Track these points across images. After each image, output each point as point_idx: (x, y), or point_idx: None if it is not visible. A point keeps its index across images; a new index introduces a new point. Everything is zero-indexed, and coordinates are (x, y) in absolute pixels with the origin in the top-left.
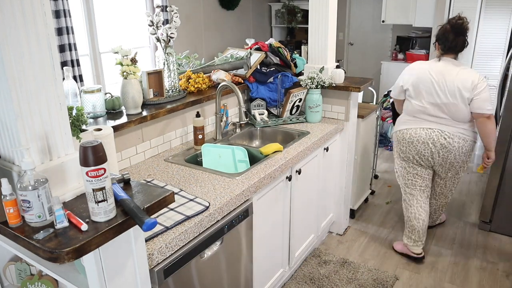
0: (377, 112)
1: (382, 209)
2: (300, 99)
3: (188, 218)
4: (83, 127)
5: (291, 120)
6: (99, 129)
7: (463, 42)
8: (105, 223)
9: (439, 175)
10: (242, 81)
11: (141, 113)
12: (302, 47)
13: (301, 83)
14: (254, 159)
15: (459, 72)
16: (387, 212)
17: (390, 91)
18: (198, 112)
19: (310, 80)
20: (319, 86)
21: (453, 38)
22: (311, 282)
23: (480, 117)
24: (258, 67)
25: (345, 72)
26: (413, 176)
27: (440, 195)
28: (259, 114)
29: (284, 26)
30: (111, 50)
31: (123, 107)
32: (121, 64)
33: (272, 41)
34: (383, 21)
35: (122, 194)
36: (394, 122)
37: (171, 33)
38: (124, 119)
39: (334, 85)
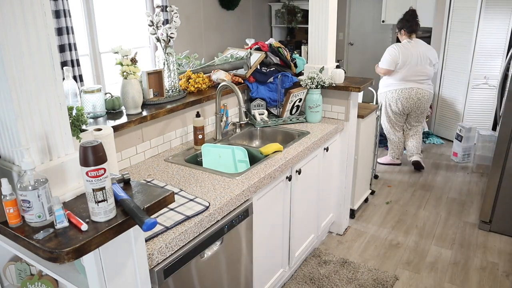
0: (377, 112)
1: (382, 209)
2: (300, 99)
3: (188, 218)
4: (83, 127)
5: (291, 120)
6: (99, 129)
7: (417, 23)
8: (105, 223)
9: (412, 118)
10: (242, 81)
11: (141, 113)
12: (302, 47)
13: (301, 83)
14: (254, 159)
15: (424, 46)
16: (387, 212)
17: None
18: (198, 112)
19: (310, 80)
20: (319, 86)
21: (413, 23)
22: (311, 282)
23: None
24: (258, 67)
25: (345, 72)
26: (396, 120)
27: (416, 131)
28: (259, 114)
29: (284, 26)
30: (111, 50)
31: (123, 107)
32: (121, 64)
33: (272, 41)
34: (383, 21)
35: (122, 194)
36: None
37: (171, 33)
38: (124, 119)
39: (334, 85)
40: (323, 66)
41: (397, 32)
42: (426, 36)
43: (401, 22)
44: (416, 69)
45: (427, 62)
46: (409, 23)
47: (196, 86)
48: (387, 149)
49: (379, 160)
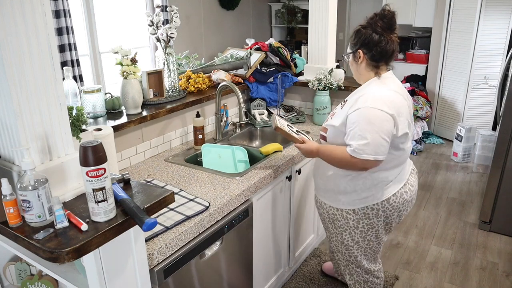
0: None
1: None
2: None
3: (188, 218)
4: (83, 127)
5: (291, 120)
6: (99, 129)
7: (397, 43)
8: (105, 223)
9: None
10: (242, 81)
11: (141, 113)
12: (302, 47)
13: (309, 84)
14: (254, 159)
15: (402, 86)
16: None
17: None
18: (198, 112)
19: (318, 82)
20: (326, 88)
21: (388, 39)
22: (311, 282)
23: None
24: (258, 67)
25: (345, 72)
26: (378, 244)
27: None
28: (259, 114)
29: (284, 26)
30: (111, 50)
31: (123, 107)
32: (121, 64)
33: (272, 41)
34: None
35: (122, 194)
36: None
37: (171, 33)
38: (124, 119)
39: (343, 87)
40: (332, 68)
41: (350, 52)
42: (426, 36)
43: (361, 34)
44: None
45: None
46: (377, 39)
47: (196, 86)
48: None
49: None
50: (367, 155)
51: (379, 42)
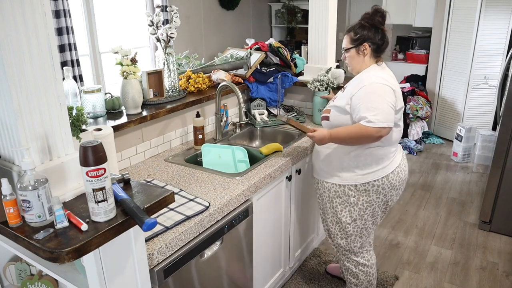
0: None
1: None
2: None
3: (188, 218)
4: (83, 127)
5: None
6: (99, 129)
7: (388, 39)
8: (105, 223)
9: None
10: (242, 81)
11: (141, 113)
12: (302, 47)
13: (309, 86)
14: (254, 159)
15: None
16: (387, 212)
17: None
18: (198, 112)
19: (319, 83)
20: (328, 88)
21: (386, 34)
22: (311, 282)
23: None
24: (258, 67)
25: (345, 72)
26: (372, 224)
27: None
28: (259, 114)
29: (284, 26)
30: (111, 50)
31: (123, 107)
32: (121, 64)
33: (272, 41)
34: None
35: (122, 194)
36: None
37: (171, 33)
38: (124, 119)
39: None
40: (330, 67)
41: (353, 46)
42: (426, 36)
43: (364, 29)
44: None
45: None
46: (383, 35)
47: (196, 86)
48: None
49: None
50: (381, 122)
51: (383, 36)
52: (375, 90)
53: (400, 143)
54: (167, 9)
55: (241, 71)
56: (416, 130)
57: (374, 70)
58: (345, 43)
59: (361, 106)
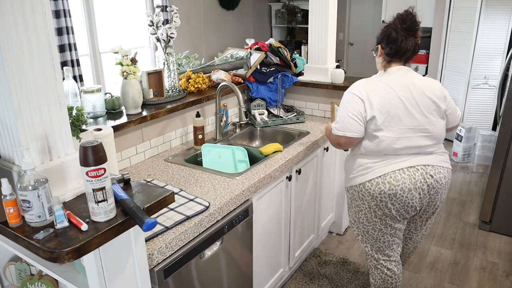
0: None
1: None
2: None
3: (188, 218)
4: (83, 127)
5: (291, 120)
6: (99, 129)
7: (415, 45)
8: (105, 223)
9: (417, 223)
10: (242, 81)
11: (141, 113)
12: (302, 47)
13: None
14: (254, 159)
15: (424, 82)
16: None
17: None
18: (198, 112)
19: None
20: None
21: (403, 39)
22: (311, 282)
23: (453, 129)
24: (258, 67)
25: (345, 72)
26: (391, 236)
27: (414, 243)
28: (259, 114)
29: (284, 26)
30: (111, 50)
31: (123, 107)
32: (121, 64)
33: (272, 41)
34: (383, 21)
35: (122, 194)
36: None
37: (171, 33)
38: (124, 119)
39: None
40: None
41: (373, 50)
42: (426, 36)
43: (384, 31)
44: (407, 126)
45: (429, 109)
46: (394, 37)
47: (196, 86)
48: None
49: None
50: (338, 131)
51: (395, 40)
52: (343, 99)
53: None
54: (167, 9)
55: (241, 71)
56: None
57: (372, 77)
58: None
59: None
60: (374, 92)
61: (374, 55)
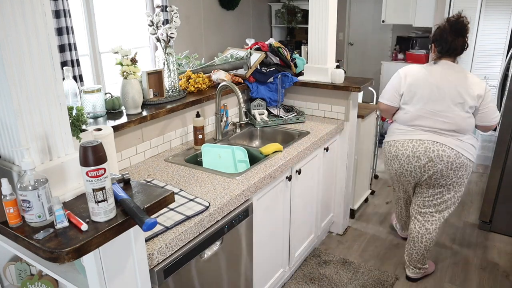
0: (377, 112)
1: (382, 209)
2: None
3: (188, 218)
4: (83, 127)
5: (291, 120)
6: (99, 129)
7: (463, 44)
8: (105, 223)
9: (423, 194)
10: (242, 81)
11: (141, 113)
12: (302, 47)
13: None
14: (254, 159)
15: (461, 78)
16: (387, 212)
17: None
18: (198, 112)
19: None
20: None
21: (452, 39)
22: (311, 282)
23: (487, 129)
24: (258, 67)
25: (345, 72)
26: (398, 187)
27: (420, 213)
28: (259, 114)
29: (284, 26)
30: (111, 50)
31: (123, 107)
32: (121, 64)
33: (272, 41)
34: (383, 21)
35: (122, 194)
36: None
37: (171, 33)
38: (124, 119)
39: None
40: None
41: (429, 46)
42: (426, 36)
43: (436, 31)
44: (430, 109)
45: (455, 101)
46: (445, 37)
47: (196, 86)
48: None
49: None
50: (380, 98)
51: (446, 41)
52: (393, 75)
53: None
54: (167, 9)
55: (241, 71)
56: None
57: (425, 64)
58: None
59: None
60: (412, 74)
61: (430, 51)
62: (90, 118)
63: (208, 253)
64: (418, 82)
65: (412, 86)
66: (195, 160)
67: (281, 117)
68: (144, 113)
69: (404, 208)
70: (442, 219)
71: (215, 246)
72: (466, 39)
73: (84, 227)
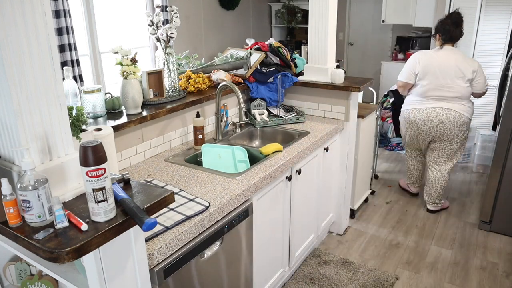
0: (377, 112)
1: (382, 209)
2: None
3: (188, 218)
4: (83, 127)
5: (291, 120)
6: (99, 129)
7: (460, 32)
8: (105, 223)
9: (436, 149)
10: (242, 81)
11: (141, 113)
12: (302, 47)
13: None
14: (254, 159)
15: (459, 59)
16: (387, 212)
17: (390, 91)
18: (198, 112)
19: None
20: None
21: (453, 30)
22: (311, 282)
23: (480, 95)
24: (258, 67)
25: (345, 72)
26: (414, 144)
27: (436, 163)
28: (259, 114)
29: (284, 26)
30: (111, 50)
31: (123, 107)
32: (121, 64)
33: (272, 41)
34: (383, 21)
35: (122, 194)
36: (394, 122)
37: (171, 33)
38: (124, 119)
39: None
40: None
41: (433, 35)
42: (426, 36)
43: (439, 24)
44: (440, 83)
45: (457, 76)
46: (447, 29)
47: (196, 86)
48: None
49: (400, 183)
50: (399, 77)
51: (448, 31)
52: (409, 59)
53: (399, 143)
54: (167, 9)
55: (241, 71)
56: None
57: (431, 49)
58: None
59: None
60: (425, 58)
61: (434, 39)
62: (90, 118)
63: (208, 253)
64: (430, 63)
65: (426, 67)
66: (195, 160)
67: (281, 117)
68: (144, 113)
69: (416, 165)
70: (452, 165)
71: (215, 246)
72: (462, 29)
73: (84, 227)
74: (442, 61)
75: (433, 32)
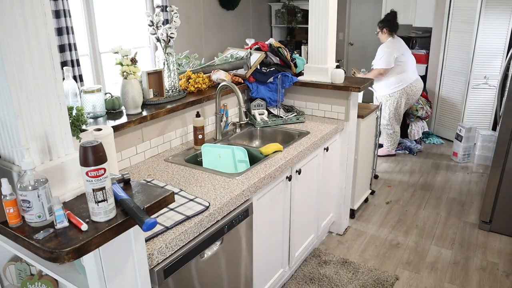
0: (377, 112)
1: (382, 209)
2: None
3: (188, 218)
4: (83, 127)
5: (291, 120)
6: (99, 129)
7: (397, 24)
8: (105, 223)
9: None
10: (242, 81)
11: (141, 113)
12: (302, 47)
13: None
14: (254, 159)
15: (403, 42)
16: (387, 212)
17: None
18: (198, 112)
19: None
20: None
21: (396, 23)
22: (311, 282)
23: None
24: (258, 67)
25: (345, 72)
26: (401, 116)
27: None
28: (259, 114)
29: (284, 26)
30: (111, 50)
31: (123, 107)
32: (121, 64)
33: (272, 41)
34: None
35: (122, 194)
36: None
37: (171, 33)
38: (124, 119)
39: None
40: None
41: (378, 31)
42: (426, 36)
43: (383, 22)
44: (410, 58)
45: (410, 52)
46: (391, 23)
47: (196, 86)
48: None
49: (380, 152)
50: (385, 66)
51: (393, 25)
52: (384, 51)
53: (400, 143)
54: (167, 9)
55: (241, 71)
56: (416, 130)
57: (390, 40)
58: (377, 29)
59: (381, 58)
60: (396, 45)
61: (379, 32)
62: (90, 118)
63: (208, 253)
64: (400, 47)
65: (399, 50)
66: (195, 160)
67: (281, 117)
68: (144, 113)
69: (398, 128)
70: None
71: (215, 246)
72: (397, 22)
73: (84, 227)
74: (402, 44)
75: (378, 29)
